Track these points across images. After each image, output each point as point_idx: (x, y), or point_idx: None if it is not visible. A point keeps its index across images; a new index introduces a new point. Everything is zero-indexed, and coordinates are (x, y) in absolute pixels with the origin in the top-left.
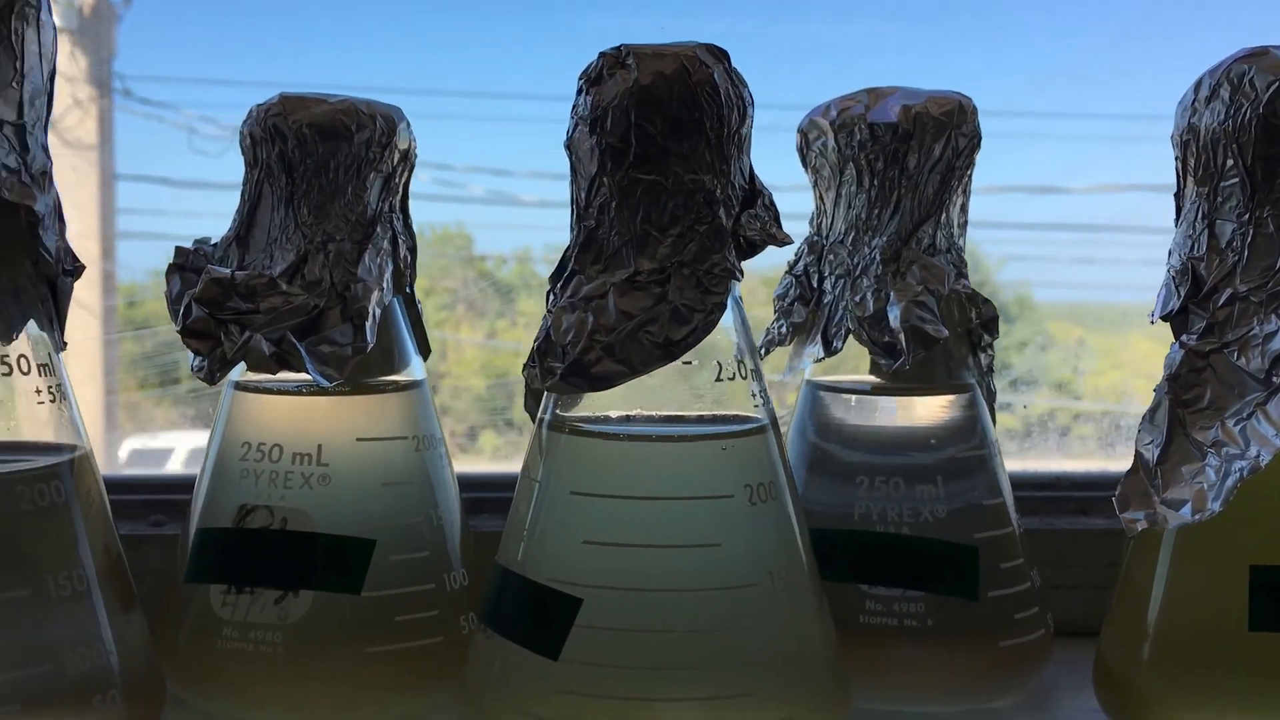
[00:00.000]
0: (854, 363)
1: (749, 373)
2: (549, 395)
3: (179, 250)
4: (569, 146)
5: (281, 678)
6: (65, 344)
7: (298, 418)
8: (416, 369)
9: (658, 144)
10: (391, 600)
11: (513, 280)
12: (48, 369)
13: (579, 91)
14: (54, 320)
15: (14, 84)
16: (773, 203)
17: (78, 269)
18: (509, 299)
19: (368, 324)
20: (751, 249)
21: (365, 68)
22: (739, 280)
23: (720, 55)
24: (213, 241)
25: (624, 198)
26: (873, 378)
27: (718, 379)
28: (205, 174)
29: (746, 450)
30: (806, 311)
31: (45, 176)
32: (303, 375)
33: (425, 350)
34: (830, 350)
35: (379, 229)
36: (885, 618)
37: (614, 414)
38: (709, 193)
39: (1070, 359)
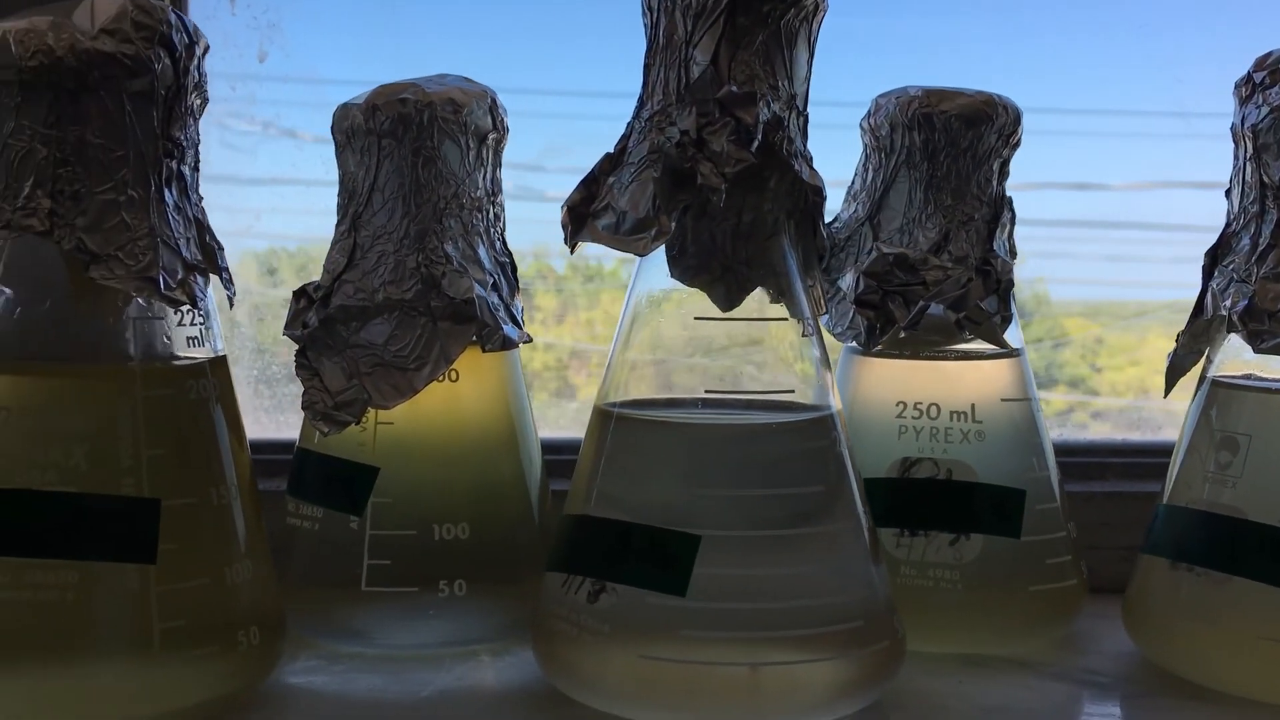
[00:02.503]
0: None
1: None
2: (1219, 356)
3: None
4: (1252, 131)
5: (961, 611)
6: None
7: (952, 380)
8: (1018, 336)
9: None
10: (1041, 545)
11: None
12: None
13: (1257, 84)
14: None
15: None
16: None
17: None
18: (527, 295)
19: (1011, 295)
20: None
21: (371, 59)
22: None
23: None
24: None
25: None
26: None
27: None
28: (237, 169)
29: None
30: None
31: None
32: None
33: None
34: None
35: (1003, 209)
36: None
37: None
38: None
39: (1088, 356)
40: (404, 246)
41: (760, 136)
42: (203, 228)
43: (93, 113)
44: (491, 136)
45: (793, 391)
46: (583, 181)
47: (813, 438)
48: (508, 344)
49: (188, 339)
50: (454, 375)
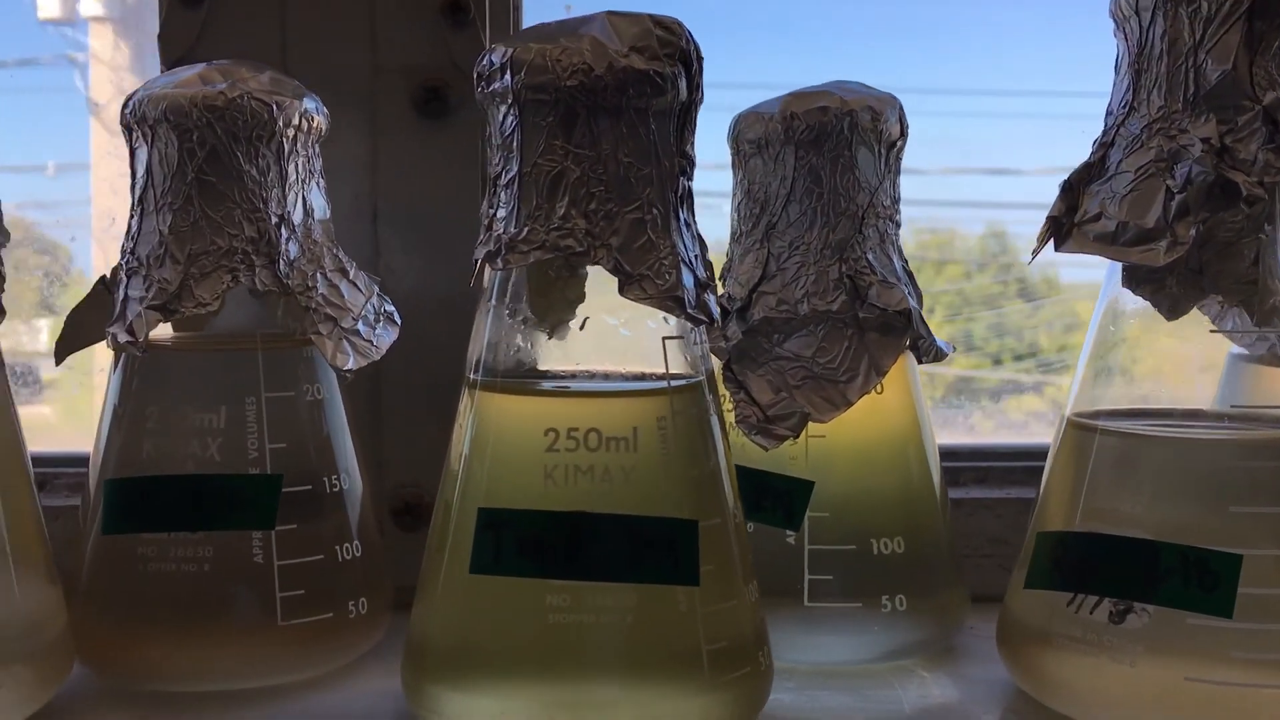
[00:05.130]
0: None
1: None
2: None
3: None
4: None
5: None
6: None
7: None
8: None
9: None
10: None
11: None
12: None
13: None
14: None
15: None
16: None
17: None
18: None
19: None
20: None
21: None
22: None
23: None
24: None
25: None
26: None
27: None
28: None
29: None
30: None
31: None
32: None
33: None
34: None
35: None
36: None
37: None
38: None
39: None
40: (824, 257)
41: None
42: (704, 245)
43: (623, 131)
44: (899, 143)
45: None
46: (1063, 191)
47: None
48: (939, 355)
49: (699, 356)
50: (879, 387)
